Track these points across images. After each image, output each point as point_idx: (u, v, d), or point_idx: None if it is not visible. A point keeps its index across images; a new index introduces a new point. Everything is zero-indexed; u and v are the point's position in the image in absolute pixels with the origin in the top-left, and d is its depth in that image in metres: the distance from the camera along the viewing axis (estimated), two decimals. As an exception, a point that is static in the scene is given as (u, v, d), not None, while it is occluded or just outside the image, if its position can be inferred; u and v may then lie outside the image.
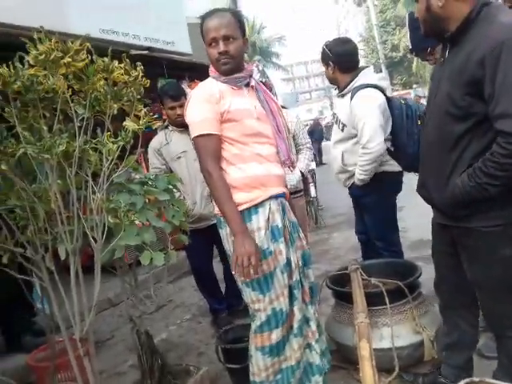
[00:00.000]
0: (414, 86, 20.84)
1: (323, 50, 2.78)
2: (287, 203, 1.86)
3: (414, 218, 5.06)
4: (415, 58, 19.31)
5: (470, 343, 1.83)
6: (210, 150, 1.69)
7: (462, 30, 1.42)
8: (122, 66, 1.55)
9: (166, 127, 3.01)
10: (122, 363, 2.86)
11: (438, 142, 1.54)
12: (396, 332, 2.04)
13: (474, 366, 1.91)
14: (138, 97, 1.69)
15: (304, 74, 57.55)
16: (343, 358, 2.33)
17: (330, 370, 2.30)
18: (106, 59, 1.62)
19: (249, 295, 1.72)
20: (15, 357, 2.79)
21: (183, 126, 2.98)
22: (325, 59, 2.77)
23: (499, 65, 1.28)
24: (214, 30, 1.69)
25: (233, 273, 1.69)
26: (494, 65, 1.29)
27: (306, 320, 1.83)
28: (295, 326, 1.76)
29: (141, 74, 1.60)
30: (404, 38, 19.90)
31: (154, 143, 2.98)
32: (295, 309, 1.77)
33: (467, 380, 0.87)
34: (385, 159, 2.69)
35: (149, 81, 1.63)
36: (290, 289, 1.76)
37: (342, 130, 2.78)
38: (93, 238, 1.65)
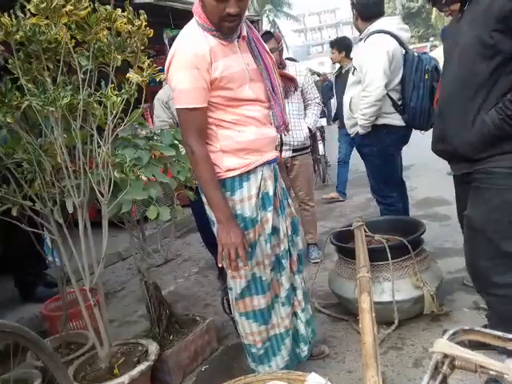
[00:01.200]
0: (431, 38, 19.97)
1: None
2: (278, 168, 1.76)
3: (422, 176, 5.04)
4: (434, 9, 18.37)
5: None
6: (195, 124, 1.49)
7: None
8: (125, 14, 1.50)
9: None
10: (131, 313, 2.98)
11: (463, 86, 1.52)
12: (397, 286, 2.09)
13: (470, 317, 1.96)
14: (142, 48, 1.64)
15: (317, 25, 55.19)
16: (344, 310, 2.41)
17: (332, 322, 2.41)
18: (108, 7, 1.57)
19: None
20: (29, 307, 2.91)
21: None
22: (351, 7, 2.78)
23: None
24: None
25: (219, 265, 1.59)
26: None
27: (292, 289, 1.82)
28: (283, 295, 1.75)
29: (144, 24, 1.55)
30: (423, -13, 18.85)
31: (162, 95, 2.91)
32: (283, 278, 1.72)
33: (457, 329, 0.89)
34: (388, 111, 2.68)
35: (153, 31, 1.58)
36: (278, 258, 1.72)
37: (353, 74, 2.80)
38: (99, 192, 1.67)
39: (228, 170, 1.57)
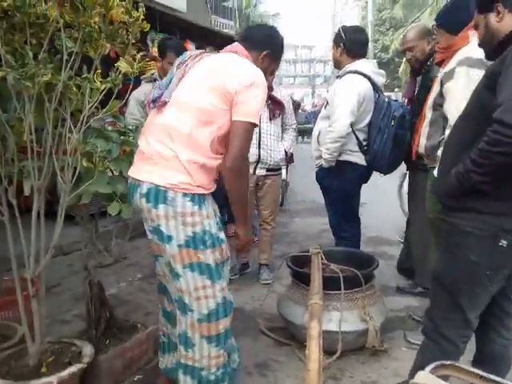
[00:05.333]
0: (396, 89, 21.18)
1: (339, 31, 2.89)
2: None
3: (374, 215, 5.23)
4: (402, 62, 19.57)
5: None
6: (250, 139, 1.64)
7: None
8: (123, 3, 1.47)
9: (155, 80, 2.91)
10: (65, 312, 2.81)
11: (453, 139, 1.59)
12: (344, 317, 2.14)
13: (407, 356, 1.99)
14: (133, 41, 1.62)
15: (292, 58, 56.93)
16: (289, 335, 2.41)
17: (275, 346, 2.40)
18: (106, -7, 1.54)
19: (192, 281, 1.57)
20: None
21: None
22: (337, 40, 2.88)
23: None
24: None
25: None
26: (510, 59, 1.33)
27: None
28: None
29: (142, 17, 1.53)
30: (396, 41, 20.05)
31: (139, 94, 2.88)
32: None
33: (438, 363, 0.92)
34: (352, 149, 2.80)
35: (149, 25, 1.56)
36: None
37: (325, 108, 2.91)
38: (62, 178, 1.59)
39: (199, 186, 1.55)
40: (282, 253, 3.83)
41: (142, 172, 1.57)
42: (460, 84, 2.04)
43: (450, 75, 2.13)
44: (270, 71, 1.84)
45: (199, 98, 1.56)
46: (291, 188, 6.62)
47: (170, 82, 1.63)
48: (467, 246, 1.47)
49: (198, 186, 1.55)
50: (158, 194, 1.51)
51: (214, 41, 6.05)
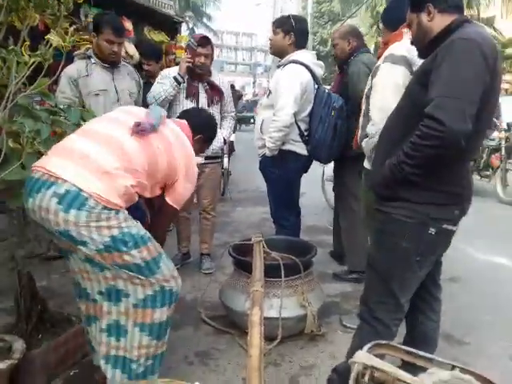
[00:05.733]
0: (332, 83, 21.84)
1: (288, 18, 2.88)
2: None
3: (313, 204, 5.38)
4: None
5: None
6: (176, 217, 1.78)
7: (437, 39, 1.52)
8: (55, -29, 1.34)
9: (89, 57, 2.71)
10: (-9, 305, 2.59)
11: (387, 132, 1.65)
12: (284, 304, 2.17)
13: (343, 339, 2.08)
14: (65, 13, 1.49)
15: (233, 45, 56.50)
16: (230, 323, 2.41)
17: (216, 334, 2.39)
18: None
19: (123, 273, 1.53)
20: None
21: (110, 63, 2.74)
22: (287, 29, 2.85)
23: (445, 58, 1.39)
24: None
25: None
26: (441, 57, 1.40)
27: None
28: None
29: (76, -13, 1.41)
30: (334, 35, 20.56)
31: (72, 71, 2.65)
32: None
33: (373, 342, 0.95)
34: (294, 139, 2.85)
35: (84, -3, 1.44)
36: None
37: (268, 97, 2.92)
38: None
39: (120, 207, 1.51)
40: (223, 242, 3.81)
41: (66, 170, 1.45)
42: (382, 79, 2.13)
43: (376, 70, 2.22)
44: (200, 152, 2.11)
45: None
46: (232, 177, 6.60)
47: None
48: (399, 234, 1.55)
49: (120, 206, 1.51)
50: (76, 199, 1.42)
51: (153, 19, 5.79)
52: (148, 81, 3.49)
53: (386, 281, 1.62)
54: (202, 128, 2.01)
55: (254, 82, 37.07)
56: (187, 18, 27.50)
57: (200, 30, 28.99)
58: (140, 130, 1.58)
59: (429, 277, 1.69)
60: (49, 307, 2.06)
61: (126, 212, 1.55)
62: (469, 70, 1.36)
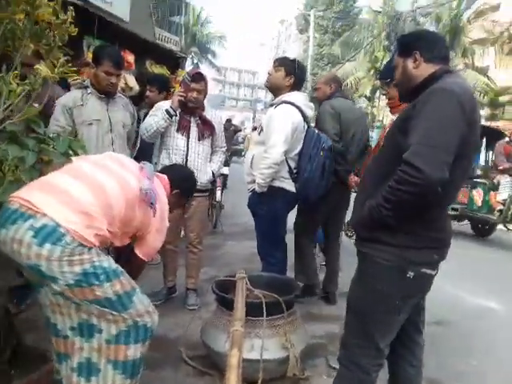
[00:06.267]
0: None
1: (293, 62, 3.00)
2: None
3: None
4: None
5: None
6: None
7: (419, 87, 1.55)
8: (51, 4, 1.38)
9: (86, 88, 2.74)
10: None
11: (369, 175, 1.69)
12: (266, 345, 2.10)
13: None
14: (60, 44, 1.52)
15: (236, 81, 58.07)
16: (211, 364, 2.32)
17: (196, 375, 2.30)
18: (33, -8, 1.43)
19: (95, 309, 1.50)
20: None
21: (106, 94, 2.78)
22: (290, 70, 2.96)
23: (424, 107, 1.43)
24: None
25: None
26: (421, 106, 1.44)
27: None
28: None
29: (70, 20, 1.44)
30: (333, 76, 21.14)
31: (67, 100, 2.68)
32: None
33: None
34: (284, 176, 2.90)
35: (77, 29, 1.47)
36: None
37: (259, 134, 2.99)
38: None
39: (95, 245, 1.51)
40: (211, 276, 3.72)
41: (47, 204, 1.44)
42: None
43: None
44: (177, 206, 2.18)
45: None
46: (225, 210, 6.58)
47: None
48: (377, 276, 1.54)
49: (94, 245, 1.51)
50: (52, 234, 1.40)
51: (156, 54, 5.96)
52: (148, 112, 3.53)
53: (364, 324, 1.58)
54: (180, 183, 2.08)
55: (253, 118, 37.78)
56: (192, 54, 28.41)
57: (204, 66, 29.86)
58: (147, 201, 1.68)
59: (409, 321, 1.65)
60: (24, 342, 1.98)
61: (99, 248, 1.53)
62: (445, 120, 1.39)
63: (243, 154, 16.36)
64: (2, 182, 1.43)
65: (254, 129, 3.27)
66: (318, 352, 2.61)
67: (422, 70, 1.57)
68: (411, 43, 1.62)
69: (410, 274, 1.49)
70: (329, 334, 2.88)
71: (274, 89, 3.02)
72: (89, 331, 1.52)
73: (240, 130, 17.37)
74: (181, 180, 2.12)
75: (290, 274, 3.35)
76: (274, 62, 3.04)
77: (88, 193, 1.51)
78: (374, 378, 1.61)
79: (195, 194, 3.07)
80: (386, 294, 1.52)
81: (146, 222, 1.73)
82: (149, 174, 1.77)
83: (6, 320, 1.83)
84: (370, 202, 1.52)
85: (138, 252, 1.80)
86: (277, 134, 2.78)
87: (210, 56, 29.89)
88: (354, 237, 1.72)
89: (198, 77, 2.98)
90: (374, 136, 18.43)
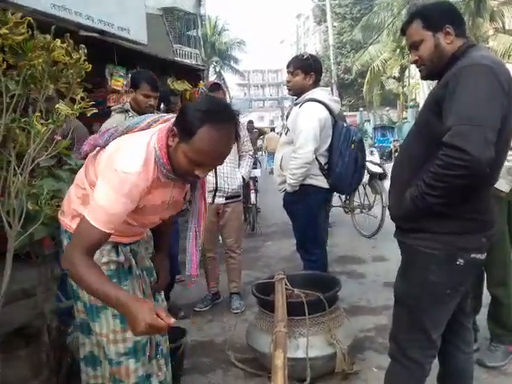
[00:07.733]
0: (361, 109, 21.84)
1: (307, 59, 2.93)
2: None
3: (343, 235, 5.29)
4: (365, 83, 20.25)
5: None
6: (90, 242, 1.27)
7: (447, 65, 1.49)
8: (63, 45, 1.47)
9: (126, 111, 2.81)
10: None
11: (404, 160, 1.61)
12: (311, 343, 2.11)
13: (378, 377, 2.00)
14: (78, 80, 1.62)
15: (260, 82, 58.23)
16: (260, 365, 2.36)
17: (246, 377, 2.35)
18: (48, 36, 1.54)
19: (105, 324, 1.51)
20: None
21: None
22: (307, 69, 2.90)
23: (458, 85, 1.36)
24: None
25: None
26: (453, 85, 1.37)
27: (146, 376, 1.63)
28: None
29: (83, 58, 1.53)
30: (357, 62, 20.78)
31: (109, 126, 2.78)
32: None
33: None
34: (315, 173, 2.86)
35: (90, 65, 1.56)
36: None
37: (286, 134, 2.97)
38: (8, 222, 1.54)
39: None
40: (254, 278, 3.79)
41: None
42: None
43: None
44: (190, 172, 1.93)
45: None
46: (261, 212, 6.63)
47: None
48: (426, 267, 1.48)
49: None
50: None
51: (175, 70, 6.12)
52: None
53: (415, 316, 1.54)
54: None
55: (281, 116, 37.72)
56: (214, 63, 28.80)
57: (226, 73, 30.19)
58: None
59: (457, 306, 1.59)
60: (78, 361, 2.10)
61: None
62: (485, 96, 1.31)
63: (261, 153, 16.29)
64: (39, 216, 1.54)
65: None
66: (366, 345, 2.59)
67: (453, 45, 1.50)
68: (441, 16, 1.52)
69: (460, 261, 1.43)
70: (378, 327, 2.84)
71: (299, 92, 2.96)
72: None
73: (265, 133, 17.29)
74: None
75: (335, 267, 3.31)
76: (288, 67, 2.98)
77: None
78: (427, 369, 1.57)
79: (228, 201, 3.14)
80: (437, 285, 1.47)
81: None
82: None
83: (60, 340, 1.94)
84: (411, 192, 1.45)
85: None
86: (305, 133, 2.75)
87: (231, 62, 30.20)
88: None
89: (215, 87, 3.06)
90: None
